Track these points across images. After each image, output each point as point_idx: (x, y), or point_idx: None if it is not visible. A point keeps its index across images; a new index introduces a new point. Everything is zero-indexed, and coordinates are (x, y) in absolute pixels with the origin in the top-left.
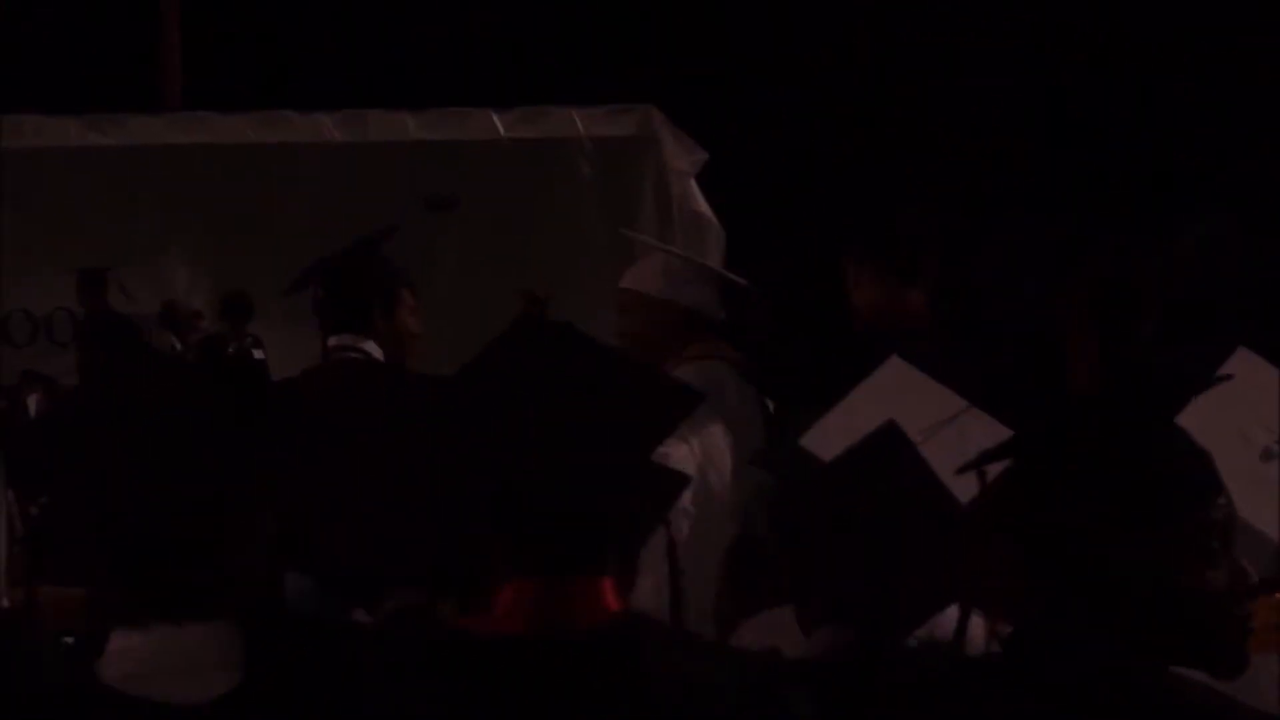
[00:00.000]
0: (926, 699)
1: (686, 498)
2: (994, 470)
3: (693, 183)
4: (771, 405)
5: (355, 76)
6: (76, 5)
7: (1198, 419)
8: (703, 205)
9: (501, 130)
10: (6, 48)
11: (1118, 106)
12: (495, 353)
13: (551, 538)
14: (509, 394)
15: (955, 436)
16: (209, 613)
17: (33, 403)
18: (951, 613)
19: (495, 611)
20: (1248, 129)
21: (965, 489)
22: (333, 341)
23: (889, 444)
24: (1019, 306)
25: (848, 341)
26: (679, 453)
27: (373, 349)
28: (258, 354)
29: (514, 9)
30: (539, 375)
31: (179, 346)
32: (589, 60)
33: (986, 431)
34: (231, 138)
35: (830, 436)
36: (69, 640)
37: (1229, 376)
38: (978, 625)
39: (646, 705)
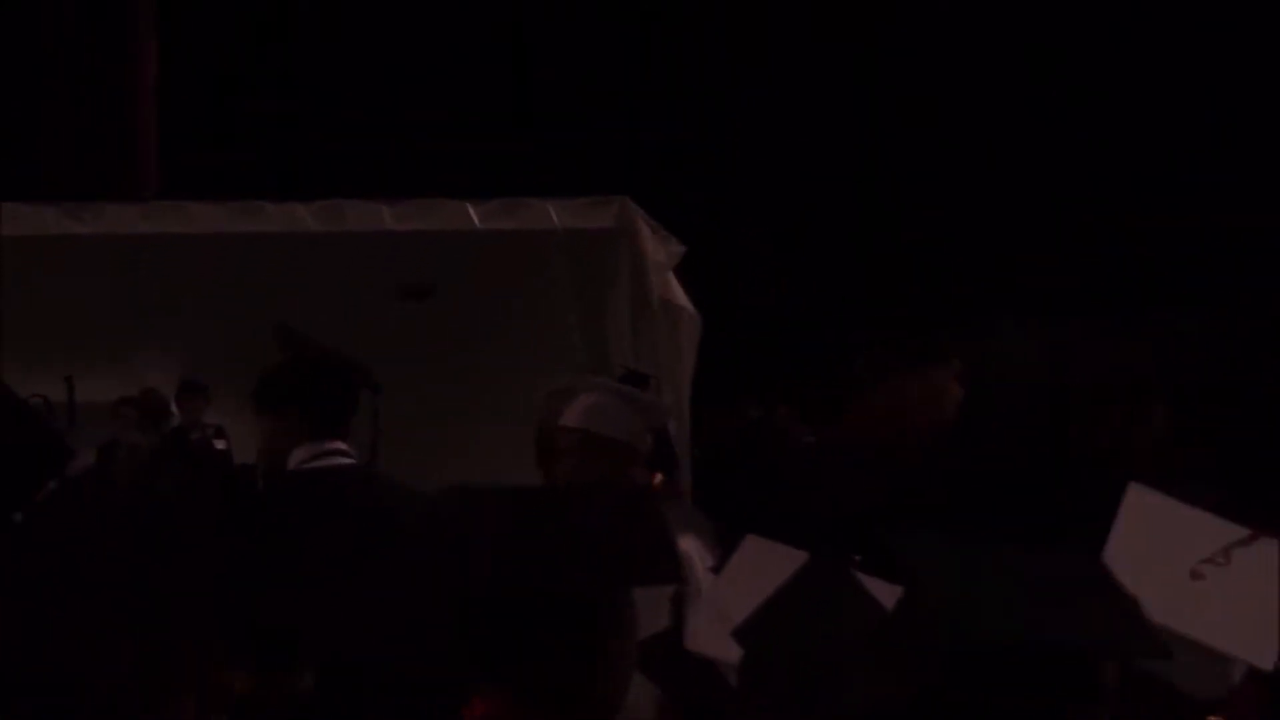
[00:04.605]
0: None
1: None
2: None
3: (671, 275)
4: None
5: (332, 167)
6: (55, 94)
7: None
8: (681, 297)
9: (477, 221)
10: None
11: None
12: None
13: (526, 655)
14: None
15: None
16: None
17: None
18: None
19: None
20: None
21: None
22: (307, 449)
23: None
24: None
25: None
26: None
27: (346, 452)
28: (219, 444)
29: (492, 100)
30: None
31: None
32: (566, 152)
33: None
34: (207, 227)
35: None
36: None
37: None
38: None
39: None
